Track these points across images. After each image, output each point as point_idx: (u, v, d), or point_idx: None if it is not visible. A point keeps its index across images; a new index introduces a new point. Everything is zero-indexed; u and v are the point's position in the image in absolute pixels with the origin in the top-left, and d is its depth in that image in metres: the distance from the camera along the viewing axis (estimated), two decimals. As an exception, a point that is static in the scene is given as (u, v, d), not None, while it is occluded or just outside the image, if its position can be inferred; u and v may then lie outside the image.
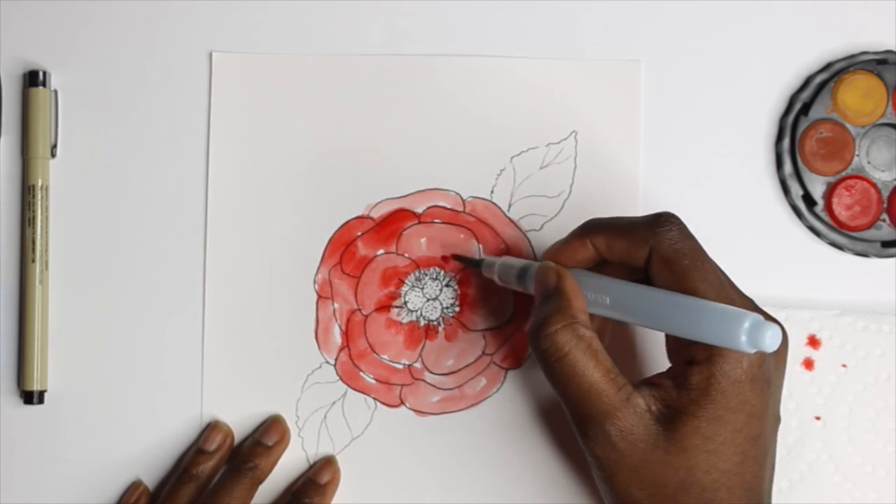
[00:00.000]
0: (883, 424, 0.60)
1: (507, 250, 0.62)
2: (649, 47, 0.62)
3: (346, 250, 0.62)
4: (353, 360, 0.62)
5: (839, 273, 0.62)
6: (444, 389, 0.62)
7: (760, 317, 0.47)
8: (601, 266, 0.55)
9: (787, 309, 0.60)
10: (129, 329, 0.62)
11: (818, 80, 0.61)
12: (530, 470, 0.61)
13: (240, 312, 0.62)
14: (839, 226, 0.61)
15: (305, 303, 0.62)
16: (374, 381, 0.62)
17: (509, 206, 0.62)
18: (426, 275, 0.62)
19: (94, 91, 0.62)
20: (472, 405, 0.62)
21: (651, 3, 0.62)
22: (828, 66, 0.62)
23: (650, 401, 0.51)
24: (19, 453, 0.62)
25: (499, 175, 0.62)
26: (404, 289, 0.62)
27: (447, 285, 0.62)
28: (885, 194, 0.61)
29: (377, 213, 0.62)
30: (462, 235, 0.62)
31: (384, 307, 0.62)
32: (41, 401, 0.61)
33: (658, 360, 0.60)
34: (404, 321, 0.62)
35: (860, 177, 0.61)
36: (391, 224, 0.62)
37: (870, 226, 0.61)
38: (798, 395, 0.60)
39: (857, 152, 0.61)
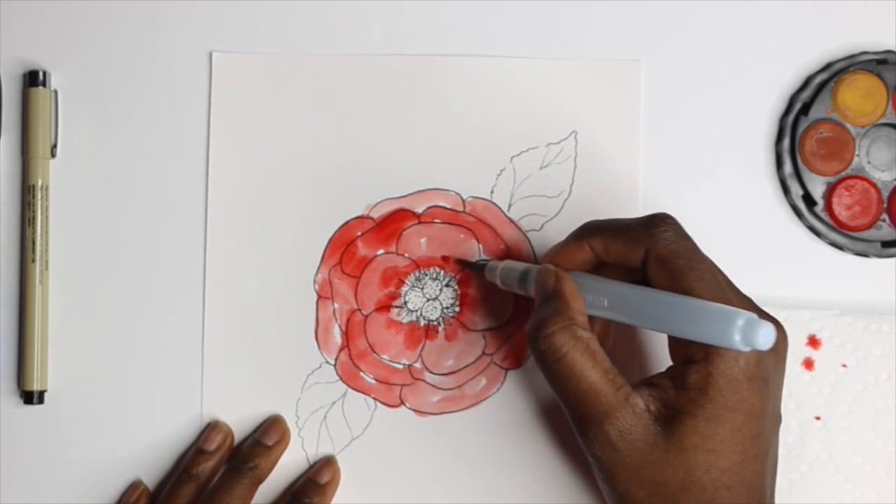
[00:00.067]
0: (883, 424, 0.60)
1: (507, 250, 0.62)
2: (649, 47, 0.62)
3: (346, 250, 0.62)
4: (353, 360, 0.62)
5: (839, 273, 0.62)
6: (444, 389, 0.62)
7: (754, 315, 0.47)
8: (600, 268, 0.55)
9: (787, 309, 0.60)
10: (129, 329, 0.62)
11: (818, 80, 0.61)
12: (530, 470, 0.61)
13: (240, 312, 0.62)
14: (839, 226, 0.61)
15: (305, 303, 0.62)
16: (374, 381, 0.62)
17: (509, 206, 0.62)
18: (426, 275, 0.62)
19: (94, 91, 0.62)
20: (472, 405, 0.62)
21: (651, 3, 0.62)
22: (828, 66, 0.61)
23: (649, 401, 0.51)
24: (19, 453, 0.62)
25: (499, 175, 0.62)
26: (404, 289, 0.62)
27: (447, 285, 0.62)
28: (885, 194, 0.61)
29: (377, 213, 0.62)
30: (462, 235, 0.62)
31: (384, 307, 0.62)
32: (41, 401, 0.61)
33: (661, 361, 0.60)
34: (404, 321, 0.62)
35: (860, 177, 0.61)
36: (391, 224, 0.62)
37: (870, 226, 0.61)
38: (798, 395, 0.60)
39: (857, 152, 0.61)
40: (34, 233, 0.61)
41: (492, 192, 0.62)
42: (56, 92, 0.62)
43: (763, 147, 0.62)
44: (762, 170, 0.62)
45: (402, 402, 0.62)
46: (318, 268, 0.62)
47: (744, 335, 0.47)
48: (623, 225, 0.53)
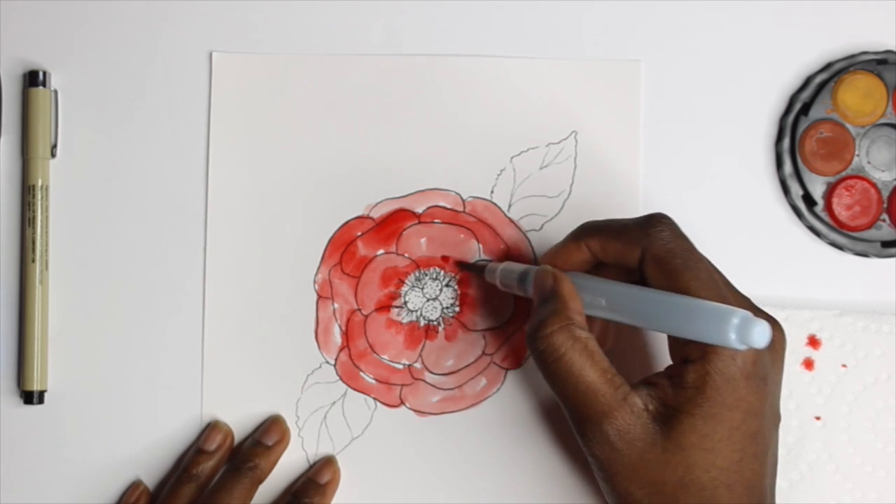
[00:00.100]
0: (883, 424, 0.60)
1: (507, 250, 0.62)
2: (649, 47, 0.62)
3: (346, 250, 0.62)
4: (353, 360, 0.62)
5: (839, 273, 0.62)
6: (444, 389, 0.62)
7: (749, 313, 0.47)
8: (598, 268, 0.55)
9: (787, 309, 0.60)
10: (129, 329, 0.62)
11: (818, 80, 0.61)
12: (530, 470, 0.61)
13: (240, 312, 0.62)
14: (839, 226, 0.61)
15: (305, 303, 0.62)
16: (374, 381, 0.62)
17: (509, 206, 0.62)
18: (426, 275, 0.62)
19: (94, 91, 0.62)
20: (472, 405, 0.62)
21: (651, 3, 0.62)
22: (828, 66, 0.61)
23: (647, 400, 0.51)
24: (19, 453, 0.62)
25: (499, 175, 0.62)
26: (404, 289, 0.62)
27: (447, 285, 0.62)
28: (885, 194, 0.61)
29: (377, 213, 0.62)
30: (462, 235, 0.62)
31: (384, 307, 0.62)
32: (41, 401, 0.61)
33: (662, 361, 0.60)
34: (404, 321, 0.62)
35: (860, 177, 0.61)
36: (391, 224, 0.62)
37: (870, 226, 0.61)
38: (798, 395, 0.60)
39: (857, 152, 0.61)
40: (34, 233, 0.61)
41: (492, 192, 0.62)
42: (56, 92, 0.62)
43: (763, 147, 0.62)
44: (762, 170, 0.62)
45: (402, 402, 0.62)
46: (318, 268, 0.62)
47: (739, 333, 0.47)
48: (620, 225, 0.54)
